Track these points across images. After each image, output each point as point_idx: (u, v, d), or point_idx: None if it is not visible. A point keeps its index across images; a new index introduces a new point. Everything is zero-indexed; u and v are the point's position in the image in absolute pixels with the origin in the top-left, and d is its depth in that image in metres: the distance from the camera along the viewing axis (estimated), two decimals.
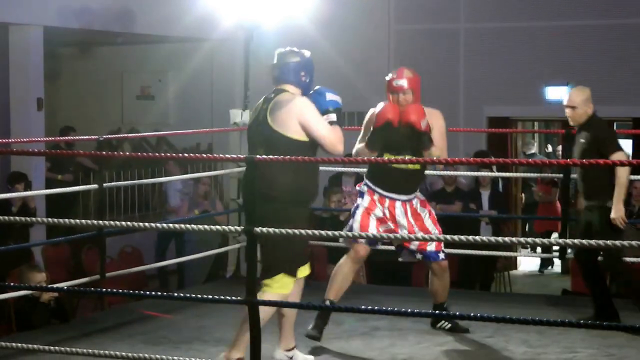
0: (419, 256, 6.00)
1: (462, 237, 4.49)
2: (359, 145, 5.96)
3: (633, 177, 7.02)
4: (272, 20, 8.85)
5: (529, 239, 4.58)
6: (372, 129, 5.85)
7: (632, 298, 6.51)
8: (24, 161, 10.38)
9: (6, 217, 5.58)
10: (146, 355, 4.87)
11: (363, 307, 4.98)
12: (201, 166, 12.38)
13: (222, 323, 6.35)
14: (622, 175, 6.09)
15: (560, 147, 15.75)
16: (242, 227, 4.96)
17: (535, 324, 4.50)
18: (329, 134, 5.20)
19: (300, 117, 5.17)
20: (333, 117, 5.25)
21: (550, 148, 17.19)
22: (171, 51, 13.50)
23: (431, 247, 5.95)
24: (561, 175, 7.61)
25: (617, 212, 6.13)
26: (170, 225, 6.18)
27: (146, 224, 5.08)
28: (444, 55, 12.23)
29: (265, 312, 5.10)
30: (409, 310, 5.32)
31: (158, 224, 5.29)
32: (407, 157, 5.72)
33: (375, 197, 5.89)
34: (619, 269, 6.45)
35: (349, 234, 5.32)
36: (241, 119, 8.15)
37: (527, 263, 12.74)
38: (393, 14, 12.49)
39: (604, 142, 6.19)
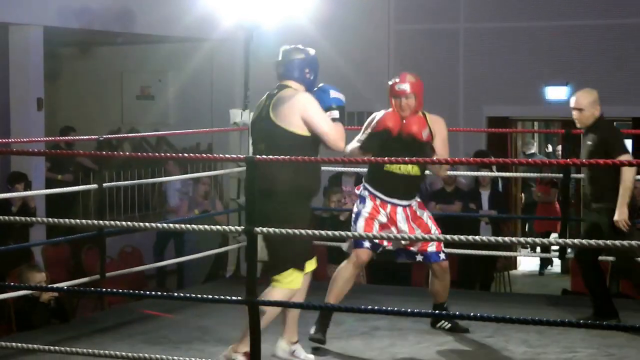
0: (419, 257, 5.99)
1: (462, 237, 4.49)
2: (353, 145, 5.94)
3: (639, 177, 6.99)
4: (272, 20, 8.85)
5: (529, 239, 4.58)
6: (369, 132, 5.86)
7: None
8: (24, 161, 10.38)
9: (6, 217, 5.57)
10: (146, 355, 4.87)
11: (363, 307, 4.99)
12: (201, 166, 12.38)
13: (222, 323, 6.36)
14: (628, 177, 6.07)
15: (560, 147, 15.76)
16: (242, 226, 4.96)
17: (535, 324, 4.50)
18: (332, 130, 5.21)
19: (303, 112, 5.18)
20: (336, 114, 5.27)
21: (550, 148, 17.19)
22: (171, 51, 13.50)
23: (432, 247, 5.95)
24: (561, 175, 7.61)
25: (620, 215, 6.11)
26: (171, 225, 6.18)
27: (146, 224, 5.08)
28: (444, 55, 12.23)
29: (271, 312, 5.12)
30: (409, 310, 5.32)
31: (158, 224, 5.29)
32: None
33: (377, 202, 5.88)
34: (633, 270, 6.43)
35: (349, 233, 5.31)
36: (241, 118, 8.15)
37: (527, 263, 12.75)
38: (393, 14, 12.49)
39: (611, 144, 6.17)
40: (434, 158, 5.77)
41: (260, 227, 4.81)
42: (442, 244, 6.01)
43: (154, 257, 10.63)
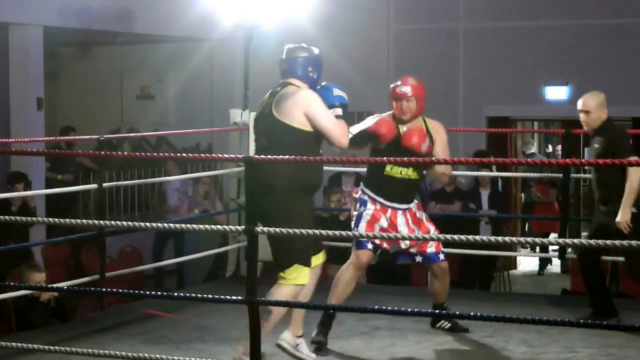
0: (419, 258, 5.98)
1: (462, 237, 4.50)
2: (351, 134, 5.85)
3: None
4: (272, 20, 8.86)
5: (529, 239, 4.58)
6: (364, 128, 5.84)
7: None
8: (24, 161, 10.38)
9: (6, 217, 5.57)
10: (146, 355, 4.87)
11: (363, 307, 4.99)
12: (201, 166, 12.38)
13: (222, 323, 6.36)
14: (634, 179, 6.04)
15: (559, 147, 15.77)
16: (242, 226, 4.97)
17: (534, 324, 4.51)
18: (335, 127, 5.22)
19: (306, 108, 5.19)
20: (339, 111, 5.28)
21: (550, 148, 17.20)
22: (171, 51, 13.49)
23: (431, 248, 5.94)
24: (561, 175, 7.61)
25: (622, 216, 6.08)
26: (171, 225, 6.18)
27: (146, 223, 5.09)
28: (444, 55, 12.23)
29: (278, 310, 5.13)
30: (409, 309, 5.32)
31: (159, 224, 5.29)
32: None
33: (378, 206, 5.87)
34: None
35: (350, 233, 5.31)
36: (241, 118, 8.14)
37: (527, 263, 12.75)
38: (392, 14, 12.49)
39: (619, 147, 6.15)
40: (433, 158, 5.77)
41: (261, 226, 4.81)
42: (441, 245, 6.01)
43: (152, 257, 10.63)
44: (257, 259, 4.97)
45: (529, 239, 4.57)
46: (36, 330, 6.58)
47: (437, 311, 6.20)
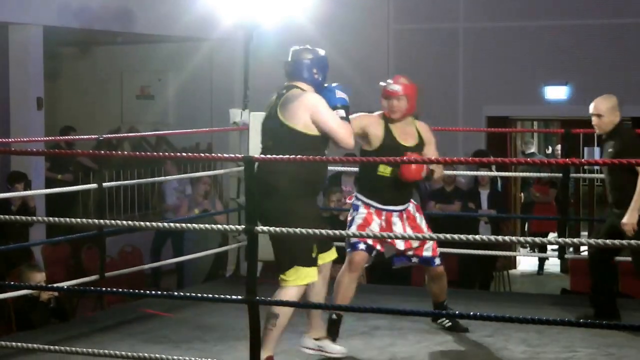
0: (415, 260, 5.97)
1: (462, 237, 4.50)
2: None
3: None
4: (272, 20, 8.86)
5: (528, 238, 4.59)
6: (363, 125, 5.83)
7: None
8: (23, 161, 10.39)
9: (6, 217, 5.58)
10: (146, 354, 4.87)
11: (363, 306, 4.99)
12: (201, 166, 12.39)
13: (222, 322, 6.37)
14: None
15: (559, 147, 15.77)
16: (242, 226, 4.97)
17: (534, 323, 4.51)
18: (341, 128, 5.24)
19: (312, 111, 5.20)
20: (342, 113, 5.30)
21: (550, 149, 17.20)
22: (171, 51, 13.50)
23: (427, 252, 5.92)
24: (560, 175, 7.61)
25: (629, 219, 6.03)
26: (171, 224, 6.18)
27: (146, 223, 5.08)
28: (444, 54, 12.24)
29: (284, 313, 5.12)
30: (409, 309, 5.33)
31: (159, 224, 5.29)
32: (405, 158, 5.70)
33: (372, 210, 5.85)
34: None
35: (349, 232, 5.32)
36: (241, 118, 8.15)
37: (526, 262, 12.75)
38: (392, 14, 12.50)
39: (631, 150, 6.11)
40: (433, 158, 5.77)
41: (261, 226, 4.81)
42: (437, 250, 5.99)
43: (150, 257, 10.64)
44: (257, 258, 4.98)
45: (529, 239, 4.57)
46: (36, 330, 6.58)
47: (436, 311, 6.20)
